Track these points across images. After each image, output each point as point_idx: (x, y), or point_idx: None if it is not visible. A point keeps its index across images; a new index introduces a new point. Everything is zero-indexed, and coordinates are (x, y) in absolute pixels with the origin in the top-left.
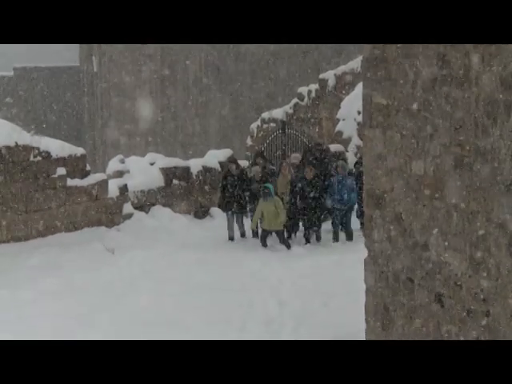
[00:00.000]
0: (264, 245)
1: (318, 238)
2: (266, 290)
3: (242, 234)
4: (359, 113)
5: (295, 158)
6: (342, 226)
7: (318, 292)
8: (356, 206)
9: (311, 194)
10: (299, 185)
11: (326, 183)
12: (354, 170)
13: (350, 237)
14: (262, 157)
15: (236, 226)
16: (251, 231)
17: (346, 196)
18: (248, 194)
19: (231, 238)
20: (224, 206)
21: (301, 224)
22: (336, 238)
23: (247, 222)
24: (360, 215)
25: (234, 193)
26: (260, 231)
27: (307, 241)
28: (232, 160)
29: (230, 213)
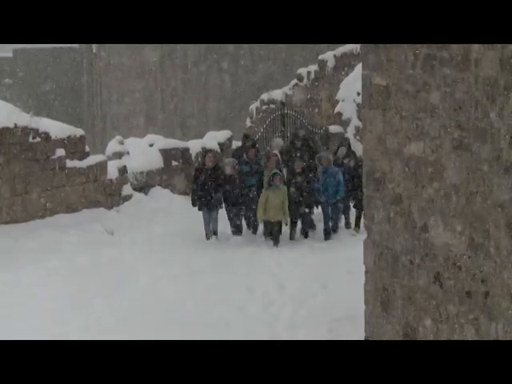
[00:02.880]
0: (269, 237)
1: (305, 234)
2: (265, 273)
3: (215, 232)
4: (358, 94)
5: (277, 145)
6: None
7: (318, 274)
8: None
9: (301, 188)
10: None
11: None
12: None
13: (327, 235)
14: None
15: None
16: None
17: (330, 189)
18: (222, 190)
19: (209, 238)
20: (199, 203)
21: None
22: (331, 232)
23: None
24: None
25: (208, 188)
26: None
27: (305, 235)
28: (208, 151)
29: (205, 210)
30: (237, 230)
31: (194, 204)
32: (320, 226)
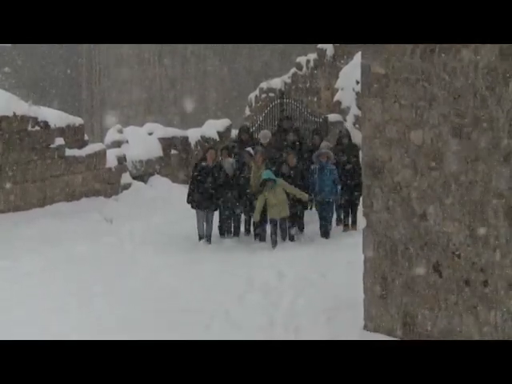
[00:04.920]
0: (275, 236)
1: (292, 237)
2: (265, 263)
3: (208, 236)
4: (358, 82)
5: (265, 137)
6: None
7: (317, 263)
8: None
9: (295, 183)
10: (282, 172)
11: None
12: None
13: (326, 234)
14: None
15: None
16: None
17: (327, 187)
18: (221, 191)
19: (202, 238)
20: (196, 204)
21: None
22: (326, 234)
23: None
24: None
25: (207, 188)
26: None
27: (291, 238)
28: (210, 147)
29: (200, 211)
30: (224, 233)
31: (189, 201)
32: (312, 227)
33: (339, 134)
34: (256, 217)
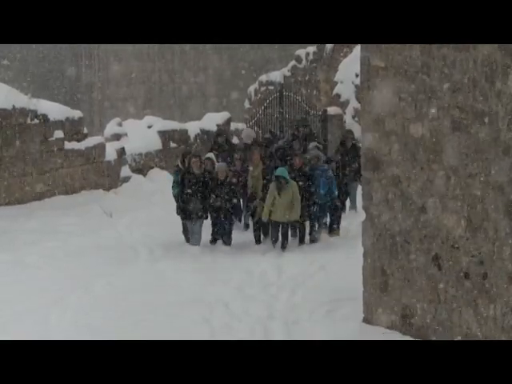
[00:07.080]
0: (275, 240)
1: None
2: (264, 257)
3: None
4: (357, 75)
5: (248, 136)
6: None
7: (316, 256)
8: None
9: (302, 186)
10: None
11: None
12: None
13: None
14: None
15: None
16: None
17: (322, 190)
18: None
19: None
20: (185, 213)
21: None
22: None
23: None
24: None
25: (195, 196)
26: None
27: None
28: (193, 155)
29: (189, 221)
30: (213, 240)
31: (178, 213)
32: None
33: (343, 135)
34: (265, 215)
